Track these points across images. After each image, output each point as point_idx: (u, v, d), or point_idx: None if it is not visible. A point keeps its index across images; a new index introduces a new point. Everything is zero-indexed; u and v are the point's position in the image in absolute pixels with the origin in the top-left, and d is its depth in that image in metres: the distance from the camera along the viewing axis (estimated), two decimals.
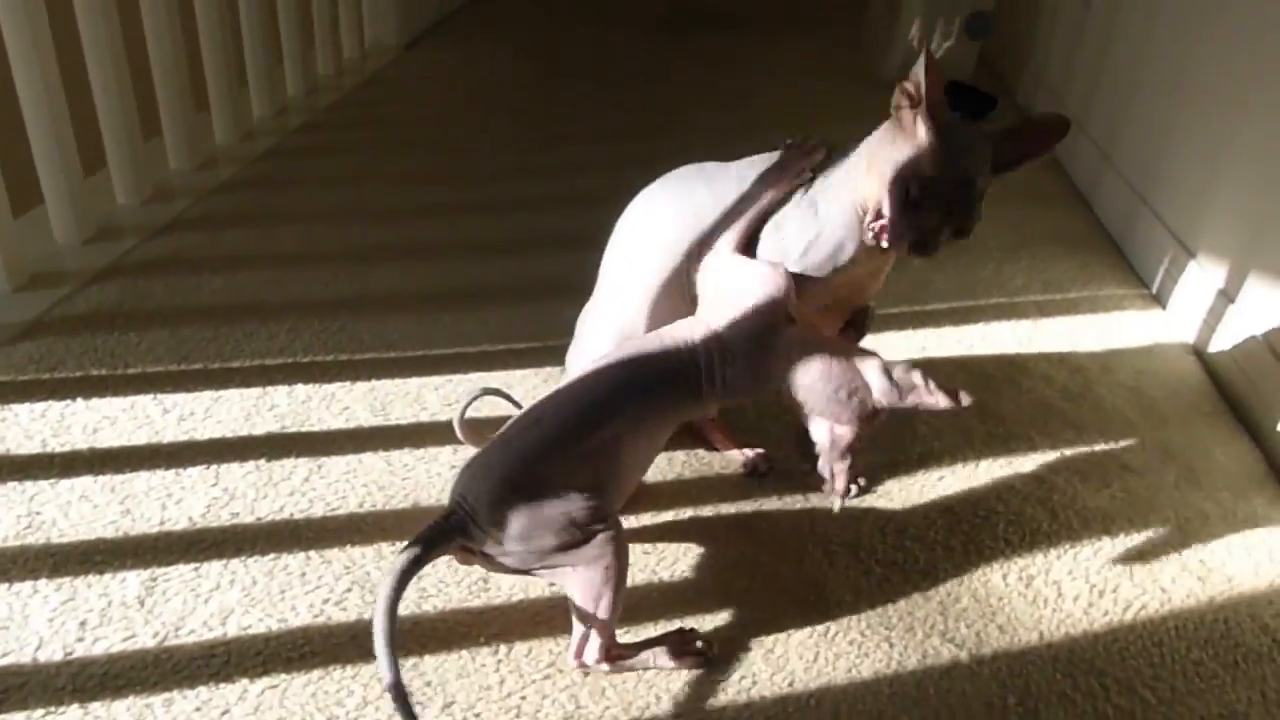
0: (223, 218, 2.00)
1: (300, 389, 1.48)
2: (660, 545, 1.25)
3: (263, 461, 1.33)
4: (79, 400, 1.41)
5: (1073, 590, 1.23)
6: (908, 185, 1.10)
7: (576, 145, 2.56)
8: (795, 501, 1.35)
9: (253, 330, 1.62)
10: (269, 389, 1.48)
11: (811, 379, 1.07)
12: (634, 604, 1.13)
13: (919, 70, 1.08)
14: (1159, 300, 1.98)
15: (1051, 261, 2.09)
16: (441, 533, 0.98)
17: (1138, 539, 1.32)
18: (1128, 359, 1.75)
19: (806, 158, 1.23)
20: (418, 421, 1.43)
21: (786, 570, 1.23)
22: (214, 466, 1.31)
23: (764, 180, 1.23)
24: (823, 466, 1.12)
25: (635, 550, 1.23)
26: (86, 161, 1.86)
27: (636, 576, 1.19)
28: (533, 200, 2.19)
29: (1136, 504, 1.38)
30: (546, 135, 2.62)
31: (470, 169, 2.35)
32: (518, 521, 0.98)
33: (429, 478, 1.32)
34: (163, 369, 1.50)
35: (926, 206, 1.11)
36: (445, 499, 1.09)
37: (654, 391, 1.07)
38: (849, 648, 1.12)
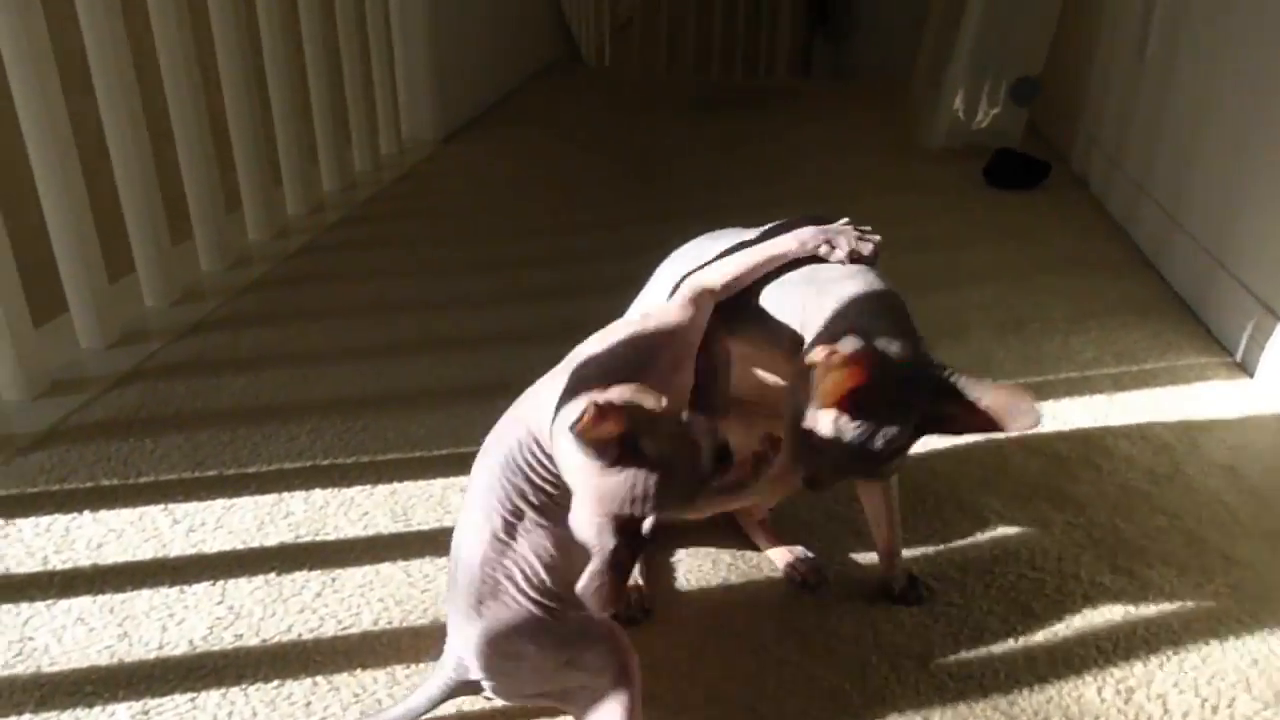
0: (250, 317, 1.95)
1: (318, 494, 1.39)
2: (699, 656, 1.12)
3: (273, 575, 1.23)
4: (86, 513, 1.34)
5: (1180, 705, 1.07)
6: (805, 436, 0.97)
7: (612, 230, 2.50)
8: (855, 607, 1.21)
9: (272, 432, 1.54)
10: (285, 495, 1.39)
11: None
12: None
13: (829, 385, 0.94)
14: (1245, 368, 1.82)
15: (1122, 331, 1.95)
16: (451, 692, 0.95)
17: (1252, 643, 1.15)
18: (1218, 434, 1.59)
19: (827, 232, 1.11)
20: (440, 526, 1.33)
21: (848, 686, 1.09)
22: (221, 582, 1.22)
23: (769, 234, 1.12)
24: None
25: (669, 665, 1.10)
26: (113, 266, 1.83)
27: (667, 698, 1.06)
28: (567, 287, 2.12)
29: (1245, 601, 1.22)
30: (582, 221, 2.57)
31: (504, 257, 2.29)
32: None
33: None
34: (176, 476, 1.42)
35: (824, 457, 0.97)
36: None
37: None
38: None
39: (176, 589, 1.21)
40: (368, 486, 1.41)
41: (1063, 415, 1.65)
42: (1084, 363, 1.83)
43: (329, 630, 1.15)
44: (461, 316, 1.99)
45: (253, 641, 1.13)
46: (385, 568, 1.25)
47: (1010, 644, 1.16)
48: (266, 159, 2.29)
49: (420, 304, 2.03)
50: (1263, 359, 1.77)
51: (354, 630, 1.15)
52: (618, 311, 1.19)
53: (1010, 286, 2.16)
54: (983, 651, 1.14)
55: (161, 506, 1.36)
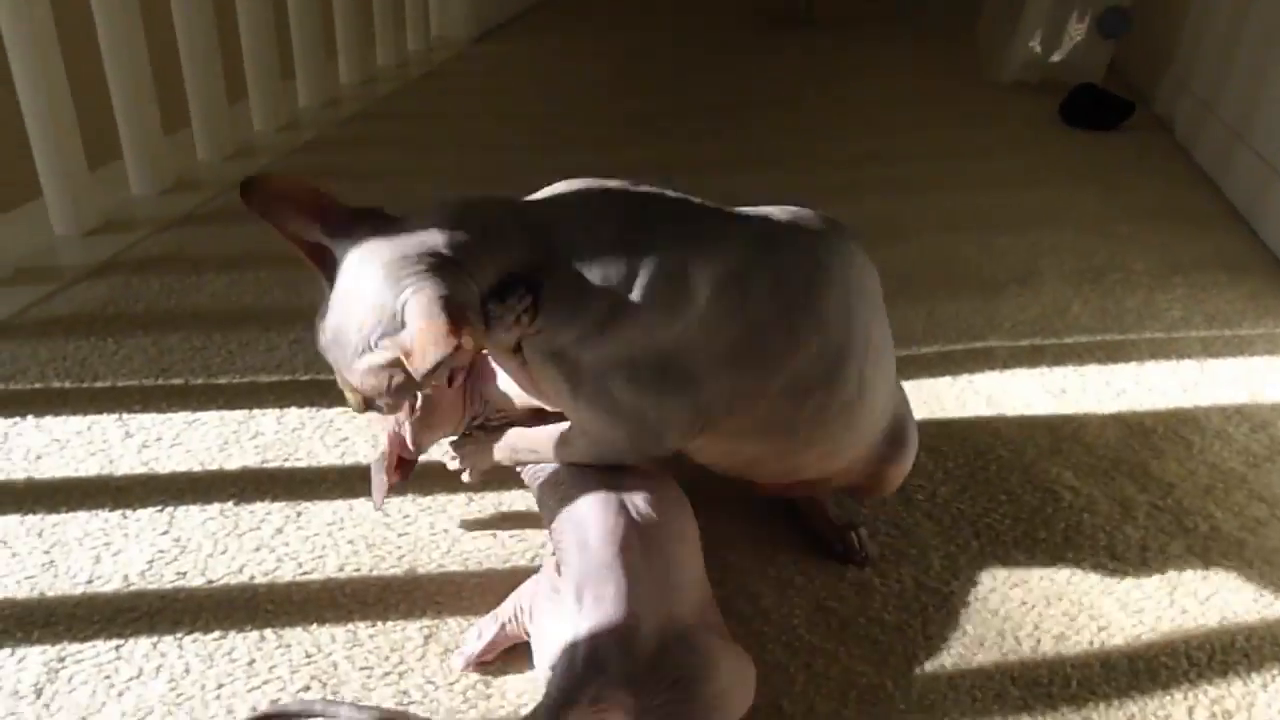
0: (239, 212, 1.76)
1: (293, 414, 1.22)
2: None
3: (230, 505, 1.07)
4: (29, 418, 1.18)
5: None
6: None
7: (650, 148, 2.28)
8: (901, 590, 1.03)
9: (250, 340, 1.37)
10: (255, 412, 1.22)
11: None
12: None
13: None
14: None
15: (1213, 290, 1.73)
16: None
17: None
18: None
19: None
20: (426, 460, 1.16)
21: (890, 686, 0.91)
22: (169, 509, 1.06)
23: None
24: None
25: None
26: (94, 153, 1.65)
27: None
28: None
29: None
30: (617, 136, 2.35)
31: (521, 166, 2.09)
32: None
33: (431, 535, 1.04)
34: (136, 383, 1.26)
35: None
36: (449, 562, 0.93)
37: None
38: None
39: (118, 513, 1.05)
40: (350, 409, 1.24)
41: (1146, 380, 1.44)
42: (1170, 323, 1.61)
43: (286, 574, 0.98)
44: None
45: (196, 581, 0.97)
46: (360, 504, 1.08)
47: (1084, 647, 0.97)
48: (275, 48, 2.09)
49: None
50: None
51: (315, 576, 0.98)
52: None
53: (1086, 233, 1.93)
54: (1052, 653, 0.96)
55: (115, 416, 1.19)
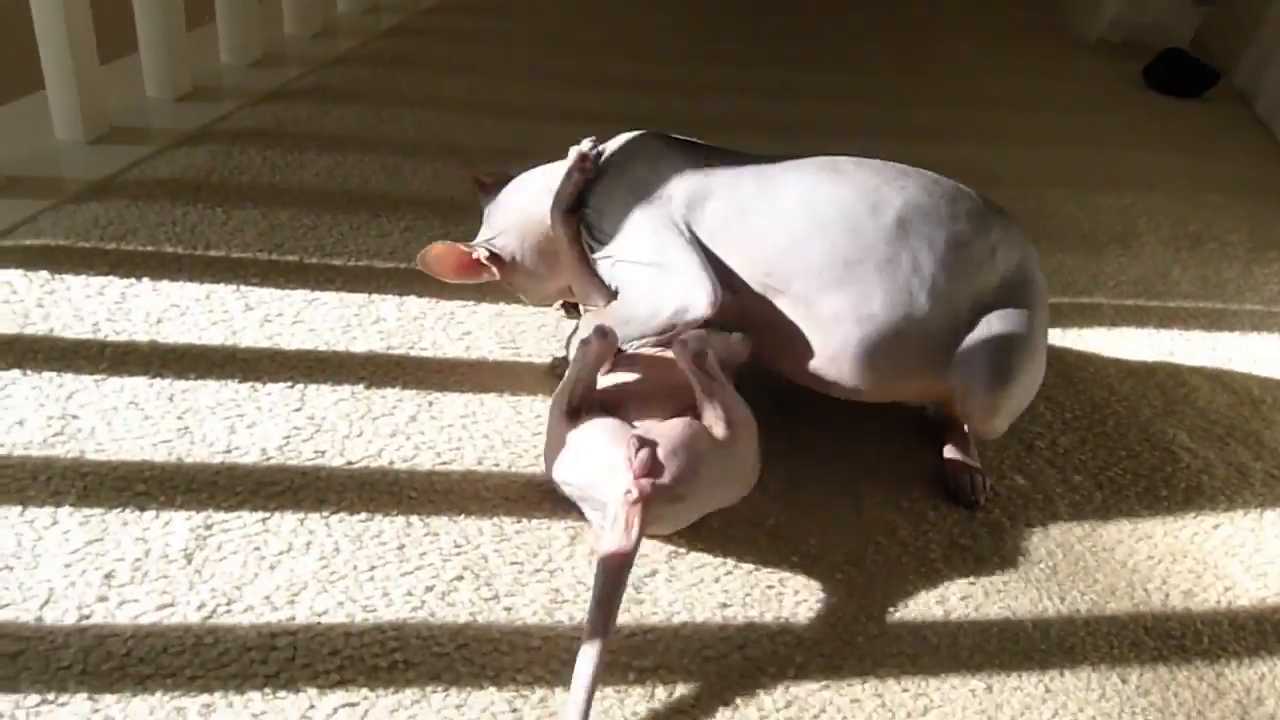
0: (336, 92, 1.72)
1: (412, 302, 1.20)
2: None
3: (360, 388, 1.05)
4: (145, 280, 1.15)
5: None
6: None
7: (735, 67, 2.22)
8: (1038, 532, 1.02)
9: (362, 224, 1.33)
10: (375, 297, 1.19)
11: None
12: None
13: None
14: None
15: None
16: None
17: None
18: None
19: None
20: (550, 359, 1.14)
21: (1028, 625, 0.91)
22: (300, 386, 1.04)
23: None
24: None
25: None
26: (192, 11, 1.59)
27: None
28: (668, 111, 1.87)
29: None
30: (707, 51, 2.29)
31: (606, 72, 2.03)
32: None
33: None
34: (250, 255, 1.23)
35: None
36: None
37: None
38: None
39: (248, 386, 1.02)
40: (469, 302, 1.22)
41: (1250, 351, 1.43)
42: (1270, 296, 1.60)
43: (425, 463, 0.97)
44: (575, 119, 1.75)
45: (336, 461, 0.95)
46: (490, 399, 1.07)
47: (1212, 605, 0.98)
48: None
49: (524, 107, 1.79)
50: None
51: (455, 467, 0.97)
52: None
53: (1178, 200, 1.91)
54: (1180, 608, 0.97)
55: (233, 287, 1.17)
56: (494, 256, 1.10)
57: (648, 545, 0.91)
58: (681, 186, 1.00)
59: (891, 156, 1.07)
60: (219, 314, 1.12)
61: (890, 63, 2.42)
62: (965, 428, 1.09)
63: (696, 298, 0.94)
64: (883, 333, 0.96)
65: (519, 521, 0.92)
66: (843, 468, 1.06)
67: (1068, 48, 2.76)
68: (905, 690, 0.82)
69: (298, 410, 1.00)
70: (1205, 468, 1.17)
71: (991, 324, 0.99)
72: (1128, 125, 2.30)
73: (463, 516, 0.91)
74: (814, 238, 0.96)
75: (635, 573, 0.88)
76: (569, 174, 1.05)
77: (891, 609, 0.90)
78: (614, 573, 0.76)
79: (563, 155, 1.08)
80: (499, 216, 1.13)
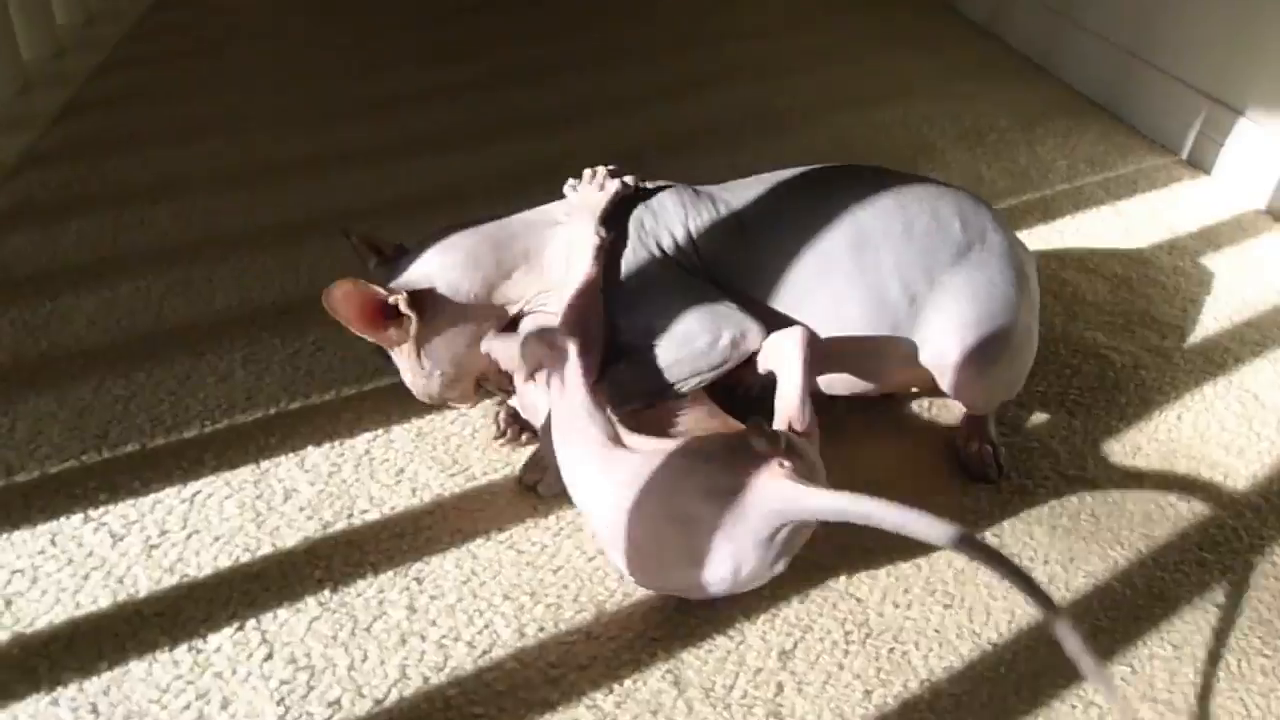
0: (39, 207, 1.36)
1: (315, 457, 0.96)
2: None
3: (326, 596, 0.82)
4: None
5: None
6: None
7: (502, 53, 2.03)
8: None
9: (189, 371, 1.06)
10: (265, 466, 0.95)
11: None
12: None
13: None
14: (1198, 166, 1.78)
15: (1075, 137, 1.84)
16: None
17: None
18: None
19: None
20: (522, 470, 0.96)
21: (1128, 590, 0.89)
22: (249, 623, 0.79)
23: None
24: None
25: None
26: None
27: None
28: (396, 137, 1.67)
29: None
30: (437, 50, 2.07)
31: (270, 115, 1.77)
32: None
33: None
34: (52, 463, 0.93)
35: None
36: None
37: None
38: None
39: (170, 651, 0.77)
40: (377, 431, 1.00)
41: (1085, 230, 1.51)
42: (1067, 171, 1.70)
43: (464, 663, 0.77)
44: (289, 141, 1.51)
45: (360, 710, 0.74)
46: (482, 548, 0.88)
47: (1226, 496, 1.02)
48: None
49: (277, 161, 1.52)
50: (1221, 156, 1.74)
51: (499, 652, 0.78)
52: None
53: (939, 97, 1.99)
54: (1209, 514, 0.99)
55: (74, 518, 0.87)
56: (414, 301, 0.91)
57: None
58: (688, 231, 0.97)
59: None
60: (62, 562, 0.84)
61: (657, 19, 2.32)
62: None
63: (749, 325, 0.91)
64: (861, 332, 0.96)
65: (619, 689, 0.76)
66: (867, 467, 1.00)
67: (950, 24, 2.77)
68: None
69: (268, 660, 0.77)
70: (1135, 361, 1.22)
71: (945, 293, 0.96)
72: (858, 33, 2.36)
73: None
74: (800, 264, 0.96)
75: None
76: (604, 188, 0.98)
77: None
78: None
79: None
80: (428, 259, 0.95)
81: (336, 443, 0.99)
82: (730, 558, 0.76)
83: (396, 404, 1.04)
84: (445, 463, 0.98)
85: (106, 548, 0.86)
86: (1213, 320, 1.32)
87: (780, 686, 0.79)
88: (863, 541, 0.91)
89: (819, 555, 0.89)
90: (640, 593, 0.86)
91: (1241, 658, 0.84)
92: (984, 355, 0.97)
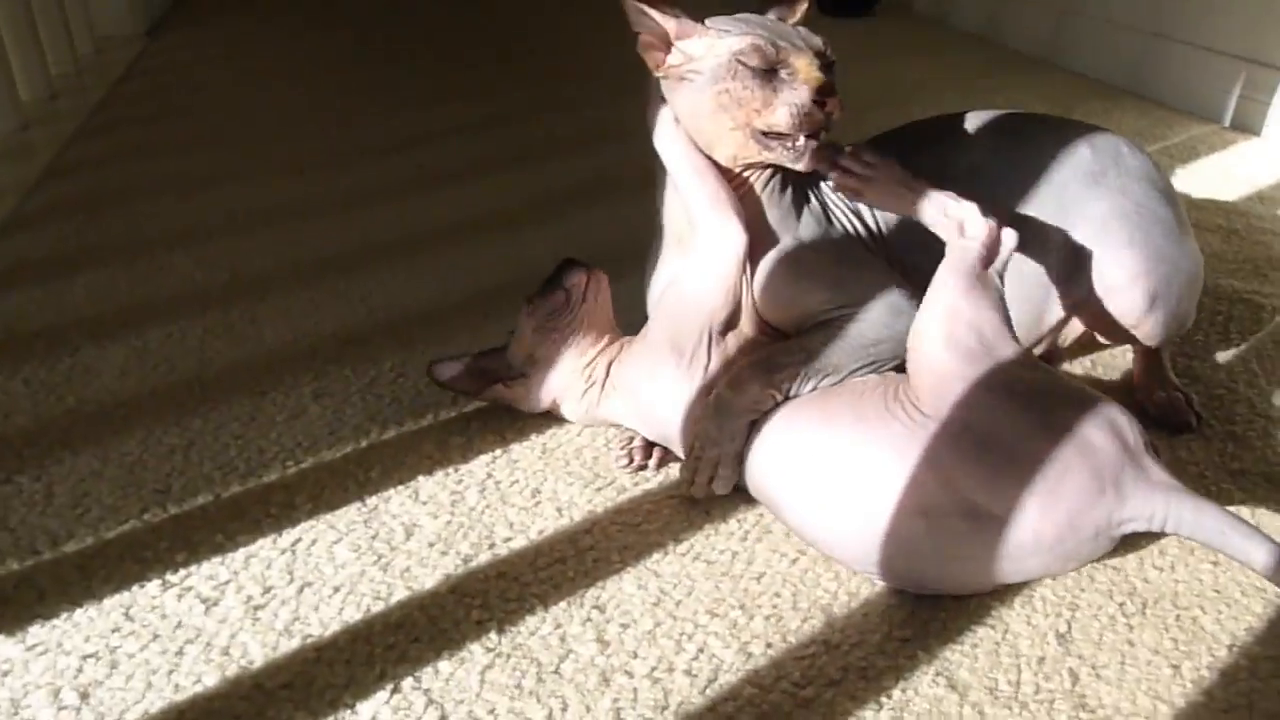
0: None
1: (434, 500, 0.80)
2: None
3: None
4: None
5: None
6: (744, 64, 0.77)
7: (412, 112, 1.91)
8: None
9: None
10: (377, 520, 0.78)
11: None
12: None
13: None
14: (1245, 129, 1.72)
15: (1117, 114, 1.78)
16: None
17: None
18: None
19: None
20: (684, 466, 0.81)
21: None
22: None
23: None
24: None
25: None
26: None
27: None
28: (365, 192, 1.55)
29: None
30: (363, 110, 1.95)
31: (275, 159, 1.64)
32: None
33: None
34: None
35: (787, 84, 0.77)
36: None
37: None
38: None
39: None
40: (482, 457, 0.84)
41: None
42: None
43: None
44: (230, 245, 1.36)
45: None
46: (671, 564, 0.72)
47: None
48: None
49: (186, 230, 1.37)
50: (1271, 115, 1.68)
51: None
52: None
53: (944, 102, 1.92)
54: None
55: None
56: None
57: None
58: None
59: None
60: (144, 639, 0.66)
61: (507, 60, 2.24)
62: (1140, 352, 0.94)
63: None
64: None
65: (890, 702, 0.60)
66: None
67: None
68: None
69: None
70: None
71: (1091, 224, 0.86)
72: (845, 48, 2.30)
73: None
74: None
75: None
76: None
77: None
78: None
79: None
80: None
81: (450, 469, 0.83)
82: (1090, 519, 0.66)
83: (510, 422, 0.89)
84: (586, 477, 0.82)
85: (198, 615, 0.68)
86: None
87: (1074, 674, 0.64)
88: None
89: None
90: (865, 592, 0.70)
91: None
92: (1149, 277, 0.86)
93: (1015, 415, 0.67)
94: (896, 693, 0.63)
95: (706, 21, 0.79)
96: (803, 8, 0.85)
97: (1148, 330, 0.89)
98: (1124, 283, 0.86)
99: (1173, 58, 1.87)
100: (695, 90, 0.77)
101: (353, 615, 0.69)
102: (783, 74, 0.76)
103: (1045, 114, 0.95)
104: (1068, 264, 0.86)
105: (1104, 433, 0.66)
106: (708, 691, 0.63)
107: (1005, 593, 0.71)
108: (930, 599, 0.70)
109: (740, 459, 0.76)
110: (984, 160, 0.87)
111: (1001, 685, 0.63)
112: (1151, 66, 1.92)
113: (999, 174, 0.86)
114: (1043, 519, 0.65)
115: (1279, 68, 1.66)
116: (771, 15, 0.83)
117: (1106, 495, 0.65)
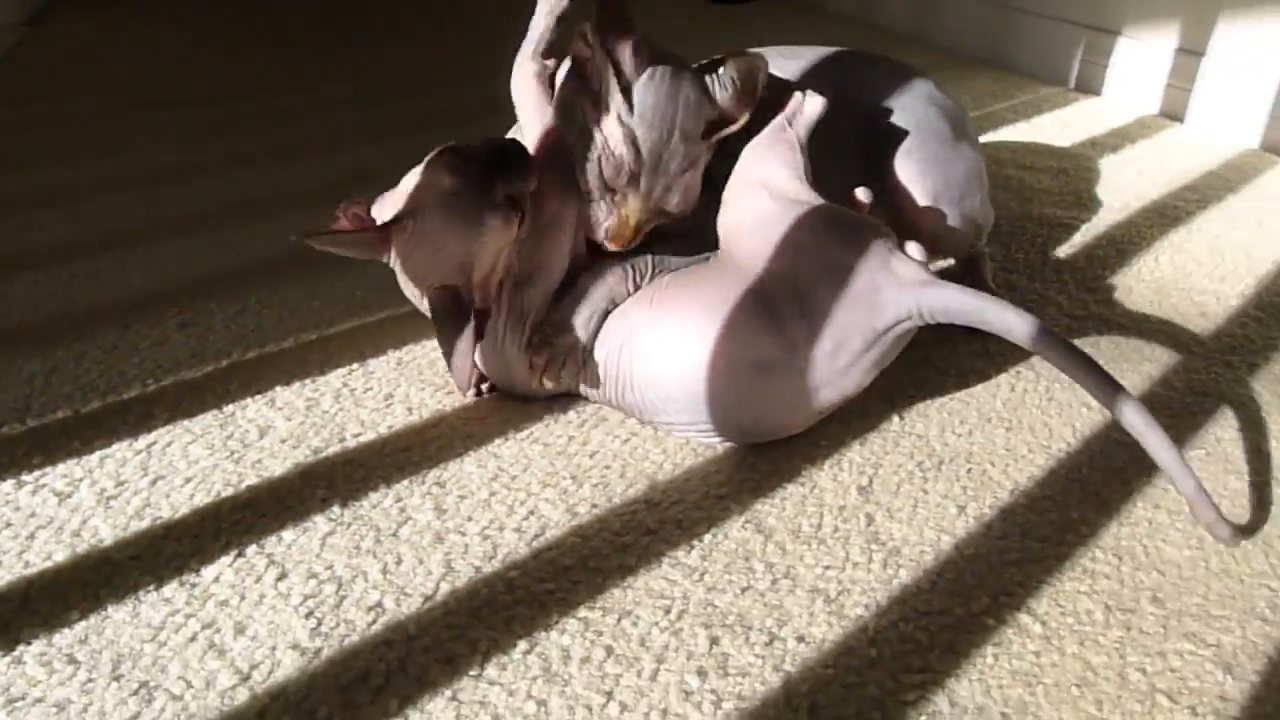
0: None
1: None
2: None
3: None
4: None
5: None
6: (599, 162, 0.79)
7: (294, 122, 1.94)
8: None
9: None
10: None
11: None
12: None
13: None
14: (1088, 90, 1.85)
15: (969, 83, 1.89)
16: None
17: None
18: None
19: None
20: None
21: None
22: None
23: None
24: None
25: None
26: None
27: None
28: (238, 201, 1.58)
29: None
30: (239, 115, 1.98)
31: (157, 130, 1.66)
32: None
33: None
34: None
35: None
36: None
37: None
38: None
39: None
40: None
41: (1017, 142, 1.53)
42: (972, 105, 1.73)
43: None
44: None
45: None
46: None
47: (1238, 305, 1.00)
48: None
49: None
50: (1108, 76, 1.81)
51: None
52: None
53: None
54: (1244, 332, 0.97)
55: None
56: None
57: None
58: None
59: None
60: None
61: (400, 50, 2.29)
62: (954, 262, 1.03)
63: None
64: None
65: (701, 544, 0.66)
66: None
67: None
68: None
69: (281, 579, 0.64)
70: (1099, 224, 1.22)
71: (888, 141, 0.96)
72: (715, 46, 2.39)
73: None
74: None
75: None
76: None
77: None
78: None
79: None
80: None
81: (308, 380, 0.87)
82: (856, 334, 0.72)
83: (369, 340, 0.93)
84: (438, 384, 0.87)
85: (51, 506, 0.71)
86: (1152, 187, 1.35)
87: (870, 517, 0.71)
88: (909, 381, 0.87)
89: (867, 402, 0.82)
90: (690, 462, 0.77)
91: None
92: (927, 178, 0.95)
93: (789, 261, 0.74)
94: (708, 537, 0.69)
95: (643, 75, 0.78)
96: (744, 115, 0.81)
97: (940, 226, 0.97)
98: (908, 182, 0.95)
99: (1023, 27, 2.00)
100: (582, 108, 0.80)
101: (203, 500, 0.72)
102: (617, 195, 0.79)
103: (868, 51, 1.04)
104: (866, 168, 0.95)
105: (853, 254, 0.73)
106: (534, 543, 0.68)
107: (816, 454, 0.78)
108: (748, 463, 0.76)
109: (587, 354, 0.81)
110: (810, 81, 0.96)
111: (804, 528, 0.70)
112: (1005, 37, 2.05)
113: (819, 89, 0.95)
114: (816, 352, 0.72)
115: (1115, 32, 1.80)
116: (723, 72, 0.82)
117: (861, 309, 0.72)
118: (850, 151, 0.94)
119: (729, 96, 0.81)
